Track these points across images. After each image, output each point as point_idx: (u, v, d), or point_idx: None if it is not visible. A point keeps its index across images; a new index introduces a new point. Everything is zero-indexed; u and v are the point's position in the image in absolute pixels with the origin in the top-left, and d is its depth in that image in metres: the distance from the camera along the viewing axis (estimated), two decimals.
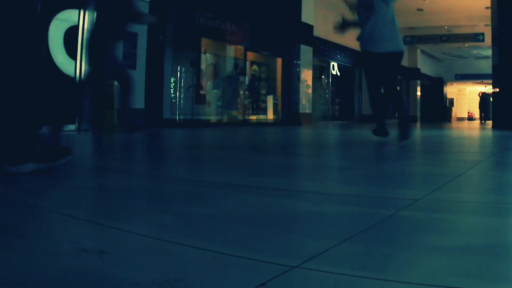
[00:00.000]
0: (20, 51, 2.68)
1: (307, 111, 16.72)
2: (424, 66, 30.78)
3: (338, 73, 21.79)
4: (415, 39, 25.07)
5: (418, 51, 28.97)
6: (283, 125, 14.89)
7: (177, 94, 13.39)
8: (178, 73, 13.39)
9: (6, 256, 1.25)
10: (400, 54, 6.09)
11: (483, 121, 26.49)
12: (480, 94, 29.92)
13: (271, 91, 16.73)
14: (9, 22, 2.62)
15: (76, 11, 9.18)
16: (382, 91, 6.20)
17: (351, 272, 1.13)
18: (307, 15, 16.52)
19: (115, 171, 3.28)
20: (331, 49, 20.29)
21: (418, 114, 29.96)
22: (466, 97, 44.64)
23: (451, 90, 39.85)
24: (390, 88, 6.18)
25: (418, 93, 30.10)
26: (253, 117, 15.79)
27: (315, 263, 1.21)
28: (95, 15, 5.84)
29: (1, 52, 2.65)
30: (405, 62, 28.11)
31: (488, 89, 27.48)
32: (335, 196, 2.33)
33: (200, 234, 1.52)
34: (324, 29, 18.57)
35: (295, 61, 16.27)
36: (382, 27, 5.96)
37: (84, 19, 9.18)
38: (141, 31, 10.34)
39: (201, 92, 14.05)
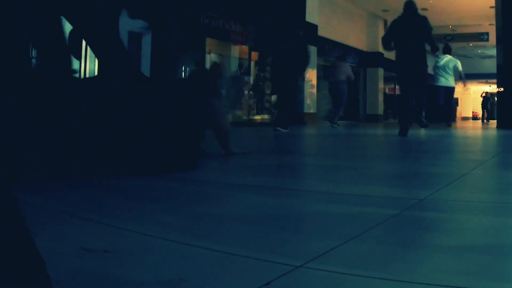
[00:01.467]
0: (20, 51, 2.69)
1: (311, 111, 16.69)
2: (429, 65, 30.70)
3: None
4: None
5: None
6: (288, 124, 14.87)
7: None
8: (183, 73, 13.39)
9: None
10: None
11: (485, 121, 26.40)
12: (483, 94, 29.85)
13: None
14: (9, 22, 2.63)
15: None
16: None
17: (355, 272, 1.13)
18: (312, 15, 16.50)
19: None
20: (336, 49, 20.25)
21: (423, 113, 29.91)
22: (470, 96, 44.45)
23: (456, 89, 39.71)
24: (448, 104, 12.42)
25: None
26: (258, 117, 15.77)
27: (319, 262, 1.21)
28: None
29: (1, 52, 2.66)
30: None
31: (493, 88, 27.44)
32: (339, 196, 2.32)
33: (204, 234, 1.52)
34: (328, 29, 18.55)
35: None
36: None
37: None
38: (145, 31, 10.33)
39: None
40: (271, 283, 1.06)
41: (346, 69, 12.58)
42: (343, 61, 13.01)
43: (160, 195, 2.32)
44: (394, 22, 8.09)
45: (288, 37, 9.64)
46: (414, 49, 7.61)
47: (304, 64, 9.75)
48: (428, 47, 7.77)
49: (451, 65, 11.92)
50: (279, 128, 8.83)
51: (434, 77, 12.02)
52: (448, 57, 12.00)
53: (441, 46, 10.97)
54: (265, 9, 14.49)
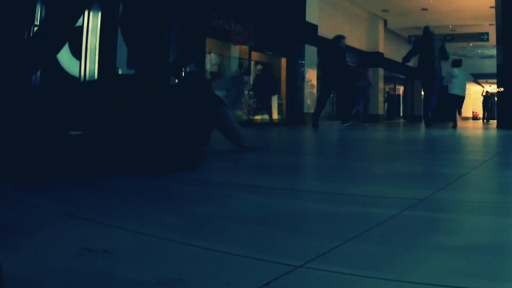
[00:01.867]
0: (20, 51, 2.70)
1: (311, 111, 16.68)
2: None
3: None
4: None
5: None
6: (287, 125, 14.88)
7: None
8: (183, 73, 13.38)
9: (11, 256, 1.26)
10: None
11: (485, 121, 26.47)
12: (484, 93, 29.90)
13: (276, 91, 16.71)
14: (9, 22, 2.65)
15: None
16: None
17: (355, 272, 1.13)
18: (312, 15, 16.50)
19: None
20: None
21: (423, 113, 29.91)
22: (470, 96, 44.39)
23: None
24: (457, 109, 13.77)
25: (423, 93, 30.02)
26: (258, 117, 15.78)
27: (319, 262, 1.21)
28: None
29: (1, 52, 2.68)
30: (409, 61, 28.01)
31: (493, 88, 27.53)
32: (339, 196, 2.32)
33: (204, 234, 1.52)
34: (328, 29, 18.55)
35: (299, 61, 16.25)
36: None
37: (88, 20, 9.18)
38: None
39: None
40: (271, 283, 1.06)
41: (368, 76, 16.13)
42: (365, 69, 16.80)
43: (160, 195, 2.32)
44: (416, 42, 12.42)
45: (335, 49, 11.76)
46: (430, 64, 10.80)
47: (347, 69, 12.35)
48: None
49: (464, 78, 13.98)
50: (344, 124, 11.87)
51: (450, 86, 13.74)
52: (459, 70, 13.69)
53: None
54: (265, 9, 14.49)
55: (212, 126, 4.09)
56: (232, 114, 4.46)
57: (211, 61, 14.27)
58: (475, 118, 43.83)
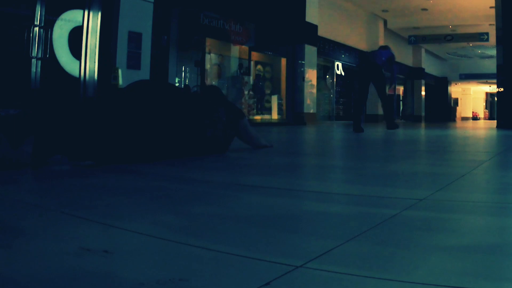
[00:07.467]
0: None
1: (311, 111, 16.71)
2: (429, 65, 30.76)
3: (343, 73, 21.77)
4: (419, 38, 25.04)
5: (423, 50, 28.95)
6: (288, 125, 14.88)
7: None
8: (183, 73, 13.40)
9: (10, 256, 1.26)
10: None
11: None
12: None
13: (276, 91, 16.73)
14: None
15: (81, 11, 9.19)
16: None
17: (355, 272, 1.13)
18: (312, 15, 16.51)
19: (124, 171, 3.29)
20: (336, 49, 20.29)
21: (423, 113, 29.95)
22: (470, 96, 44.49)
23: (456, 89, 39.71)
24: None
25: (423, 93, 30.08)
26: (258, 117, 15.79)
27: (319, 263, 1.21)
28: None
29: None
30: (409, 61, 28.05)
31: (493, 88, 27.81)
32: (339, 196, 2.32)
33: (204, 234, 1.52)
34: (328, 29, 18.57)
35: (299, 61, 16.26)
36: None
37: (88, 20, 9.19)
38: (145, 31, 10.34)
39: None
40: (271, 283, 1.06)
41: None
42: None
43: (160, 195, 2.32)
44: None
45: None
46: None
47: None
48: None
49: None
50: None
51: None
52: None
53: None
54: (265, 9, 14.51)
55: (234, 136, 4.59)
56: (248, 123, 4.91)
57: (211, 61, 14.27)
58: (475, 118, 43.85)
